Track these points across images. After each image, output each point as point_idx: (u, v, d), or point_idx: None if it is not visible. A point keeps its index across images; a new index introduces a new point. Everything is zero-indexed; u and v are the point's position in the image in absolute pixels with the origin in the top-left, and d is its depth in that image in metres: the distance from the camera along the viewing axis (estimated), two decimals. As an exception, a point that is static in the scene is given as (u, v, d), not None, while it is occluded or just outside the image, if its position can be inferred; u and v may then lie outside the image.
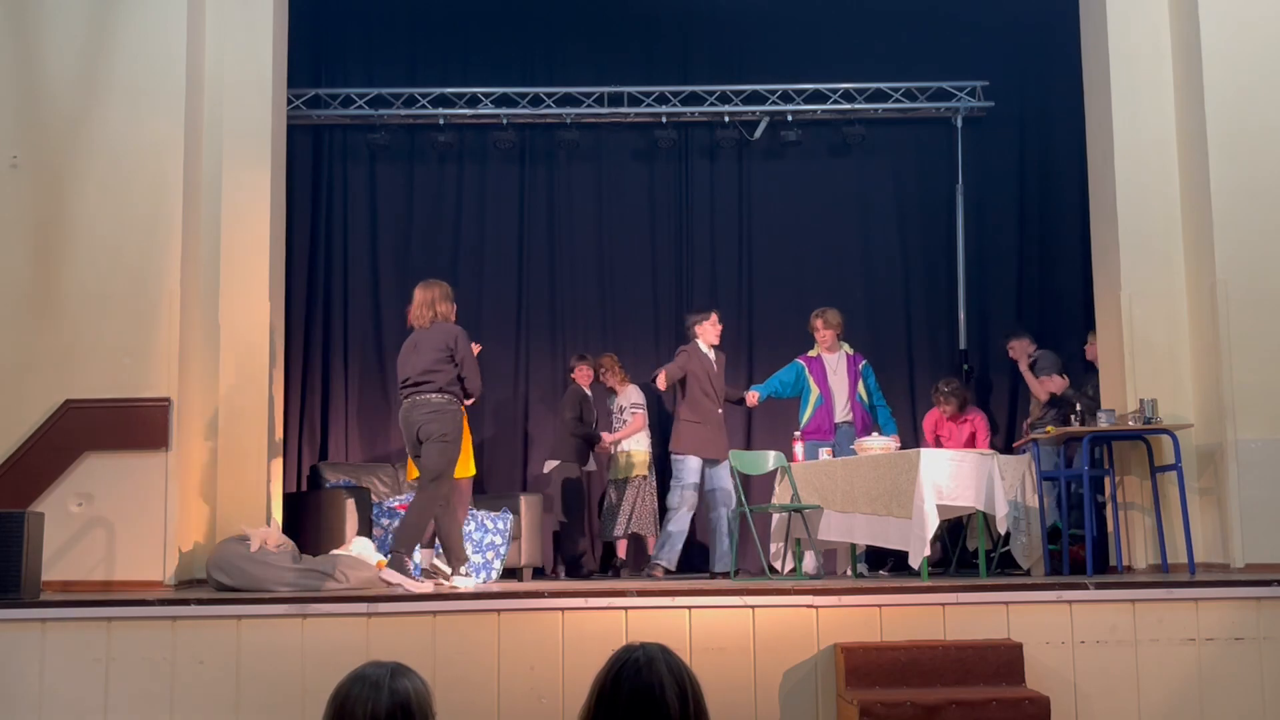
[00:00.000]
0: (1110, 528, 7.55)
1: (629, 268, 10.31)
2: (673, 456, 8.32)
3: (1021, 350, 9.09)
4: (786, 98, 10.10)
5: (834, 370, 8.65)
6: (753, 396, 8.65)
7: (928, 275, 10.29)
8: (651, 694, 2.30)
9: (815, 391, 8.58)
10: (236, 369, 7.53)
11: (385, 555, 7.36)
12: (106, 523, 6.93)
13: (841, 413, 8.57)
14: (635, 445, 9.16)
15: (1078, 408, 7.60)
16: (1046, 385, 8.69)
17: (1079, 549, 7.41)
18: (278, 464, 7.79)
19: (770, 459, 8.07)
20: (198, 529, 7.27)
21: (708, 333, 8.48)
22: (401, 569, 6.61)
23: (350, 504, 7.98)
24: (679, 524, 8.20)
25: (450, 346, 6.70)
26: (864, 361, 8.75)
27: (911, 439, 9.36)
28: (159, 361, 7.08)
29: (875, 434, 8.07)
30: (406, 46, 10.45)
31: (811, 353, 8.75)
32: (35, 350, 7.06)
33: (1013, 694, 5.25)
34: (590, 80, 10.19)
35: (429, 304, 6.87)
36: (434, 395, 6.68)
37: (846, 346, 8.73)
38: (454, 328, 6.83)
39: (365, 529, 7.85)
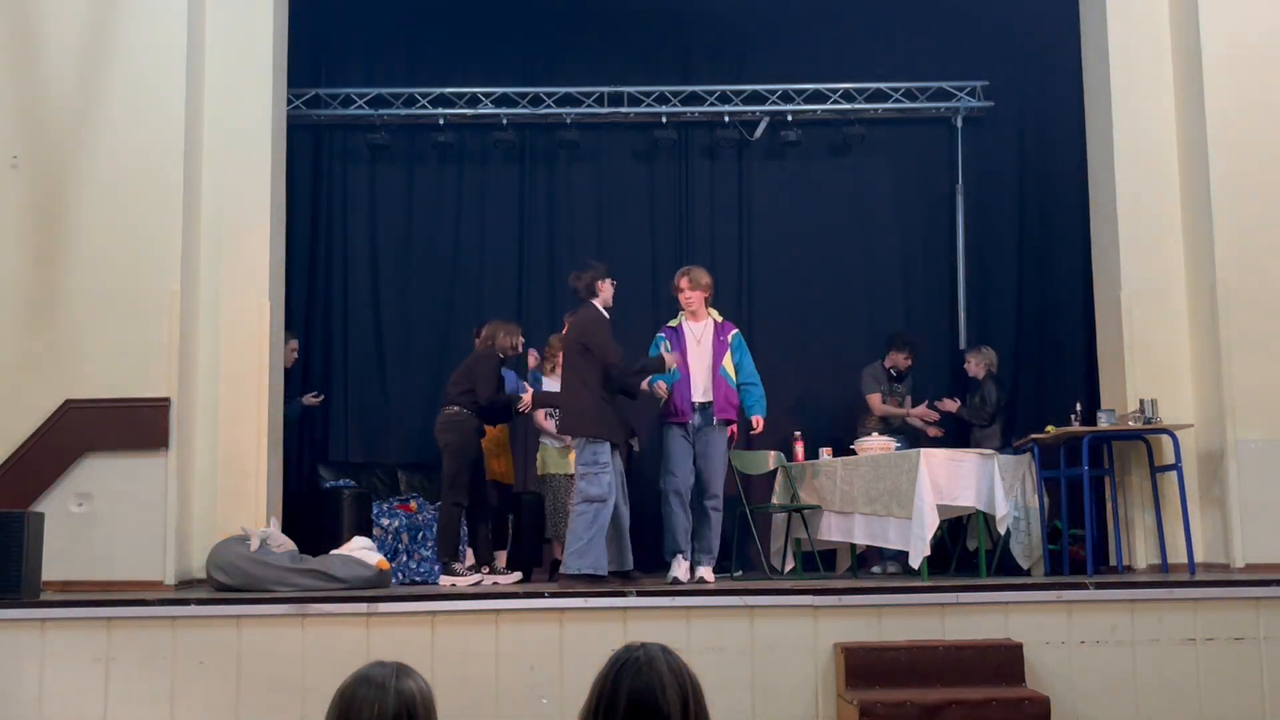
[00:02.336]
0: (1110, 528, 7.55)
1: (629, 267, 10.26)
2: (585, 442, 6.79)
3: (896, 360, 9.15)
4: (786, 98, 10.09)
5: (697, 340, 7.32)
6: (661, 387, 7.20)
7: (928, 275, 10.28)
8: (651, 694, 2.29)
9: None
10: (236, 369, 7.52)
11: (385, 556, 7.38)
12: (106, 523, 6.93)
13: (700, 392, 7.20)
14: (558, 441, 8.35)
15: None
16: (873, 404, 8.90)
17: (1079, 549, 7.41)
18: (278, 464, 7.79)
19: (770, 459, 8.06)
20: (198, 529, 7.26)
21: (607, 292, 7.13)
22: (450, 572, 7.22)
23: (350, 504, 7.98)
24: (603, 519, 6.71)
25: (471, 365, 7.52)
26: (735, 331, 7.44)
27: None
28: (159, 361, 7.08)
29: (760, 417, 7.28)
30: (406, 46, 10.44)
31: (673, 321, 7.51)
32: (35, 350, 7.06)
33: (1012, 694, 5.26)
34: (590, 80, 10.18)
35: (490, 336, 7.69)
36: (446, 408, 7.44)
37: (715, 313, 7.48)
38: (484, 351, 7.60)
39: (364, 529, 7.84)
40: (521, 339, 8.03)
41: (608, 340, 6.86)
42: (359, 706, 2.32)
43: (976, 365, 8.95)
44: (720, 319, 7.47)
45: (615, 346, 6.89)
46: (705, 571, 7.04)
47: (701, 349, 7.26)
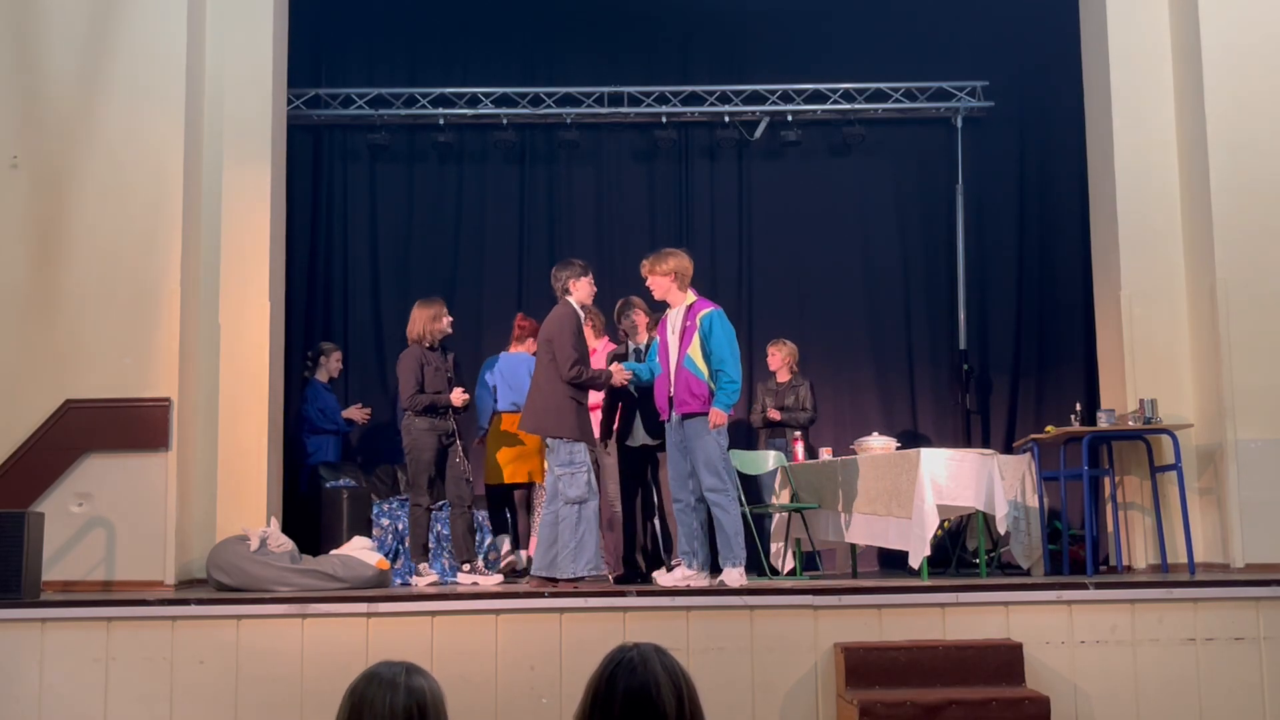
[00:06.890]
0: (1110, 528, 7.55)
1: (629, 268, 10.24)
2: (560, 442, 6.53)
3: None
4: (786, 98, 10.09)
5: (672, 329, 6.62)
6: (619, 370, 6.91)
7: (928, 275, 10.28)
8: (646, 693, 2.29)
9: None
10: (236, 369, 7.53)
11: (385, 556, 7.37)
12: (106, 523, 6.93)
13: (672, 385, 6.54)
14: None
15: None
16: None
17: (1079, 549, 7.41)
18: (278, 464, 7.80)
19: (770, 459, 8.05)
20: (198, 529, 7.27)
21: (583, 291, 6.83)
22: (418, 573, 7.11)
23: (350, 504, 7.98)
24: (588, 518, 6.47)
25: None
26: (704, 311, 6.48)
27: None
28: (159, 361, 7.09)
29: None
30: (406, 46, 10.45)
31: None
32: (35, 350, 7.07)
33: (1013, 694, 5.25)
34: (590, 80, 10.18)
35: (410, 324, 7.32)
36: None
37: (692, 294, 6.64)
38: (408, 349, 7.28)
39: (364, 529, 7.84)
40: (447, 318, 7.38)
41: (568, 343, 6.57)
42: (370, 703, 2.32)
43: (781, 363, 8.76)
44: (694, 299, 6.62)
45: (572, 353, 6.54)
46: (724, 574, 6.32)
47: (674, 338, 6.60)
